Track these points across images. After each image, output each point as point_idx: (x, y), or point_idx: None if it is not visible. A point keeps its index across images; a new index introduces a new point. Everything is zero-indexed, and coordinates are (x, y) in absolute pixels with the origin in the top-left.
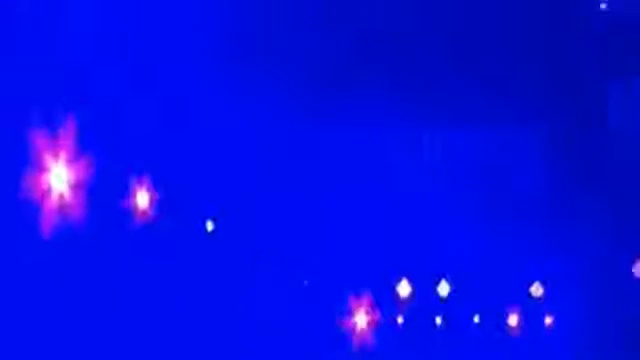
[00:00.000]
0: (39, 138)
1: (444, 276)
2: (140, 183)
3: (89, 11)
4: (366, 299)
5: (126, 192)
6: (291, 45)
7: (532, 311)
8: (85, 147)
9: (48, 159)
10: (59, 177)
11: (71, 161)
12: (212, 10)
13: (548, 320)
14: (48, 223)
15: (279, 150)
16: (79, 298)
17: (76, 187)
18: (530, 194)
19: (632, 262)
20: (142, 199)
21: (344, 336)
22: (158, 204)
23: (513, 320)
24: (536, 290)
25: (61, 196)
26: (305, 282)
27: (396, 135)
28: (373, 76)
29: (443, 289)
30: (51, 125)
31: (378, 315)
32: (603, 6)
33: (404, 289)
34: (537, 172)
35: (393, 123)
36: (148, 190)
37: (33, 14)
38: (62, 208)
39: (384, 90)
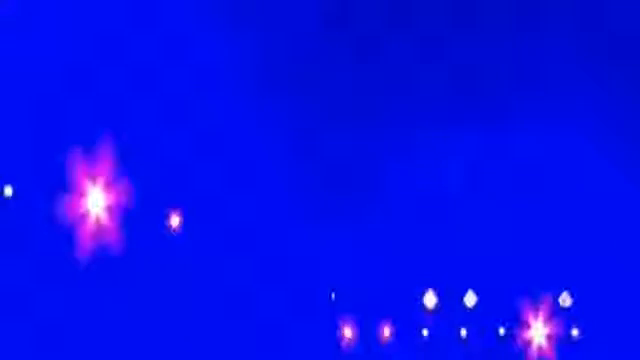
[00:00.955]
0: (78, 163)
1: (471, 287)
2: (173, 207)
3: (127, 47)
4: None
5: (160, 215)
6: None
7: (560, 322)
8: (121, 172)
9: (86, 183)
10: (96, 201)
11: (108, 185)
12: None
13: (575, 332)
14: (85, 245)
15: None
16: (114, 317)
17: (112, 210)
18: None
19: None
20: (174, 221)
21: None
22: (188, 226)
23: (538, 331)
24: (564, 300)
25: (98, 219)
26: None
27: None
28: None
29: (470, 300)
30: (89, 150)
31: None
32: None
33: (430, 300)
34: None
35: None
36: (179, 213)
37: (76, 48)
38: (99, 231)
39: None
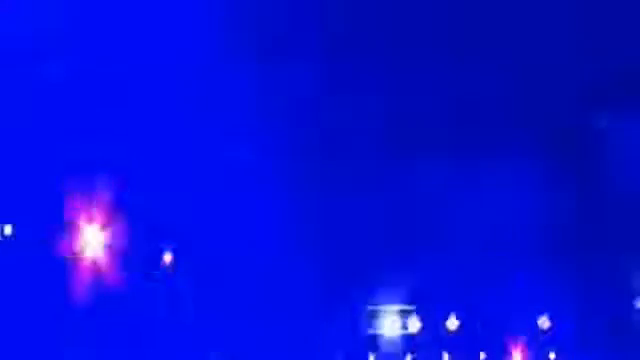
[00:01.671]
0: (75, 203)
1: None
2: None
3: (126, 95)
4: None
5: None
6: None
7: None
8: (118, 213)
9: (83, 223)
10: (93, 240)
11: (105, 225)
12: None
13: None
14: (82, 284)
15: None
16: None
17: (109, 250)
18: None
19: None
20: (167, 258)
21: None
22: (180, 264)
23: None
24: (543, 323)
25: (94, 258)
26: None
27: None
28: None
29: (452, 324)
30: (87, 191)
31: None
32: None
33: (414, 325)
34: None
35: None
36: (172, 252)
37: (71, 92)
38: (96, 270)
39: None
